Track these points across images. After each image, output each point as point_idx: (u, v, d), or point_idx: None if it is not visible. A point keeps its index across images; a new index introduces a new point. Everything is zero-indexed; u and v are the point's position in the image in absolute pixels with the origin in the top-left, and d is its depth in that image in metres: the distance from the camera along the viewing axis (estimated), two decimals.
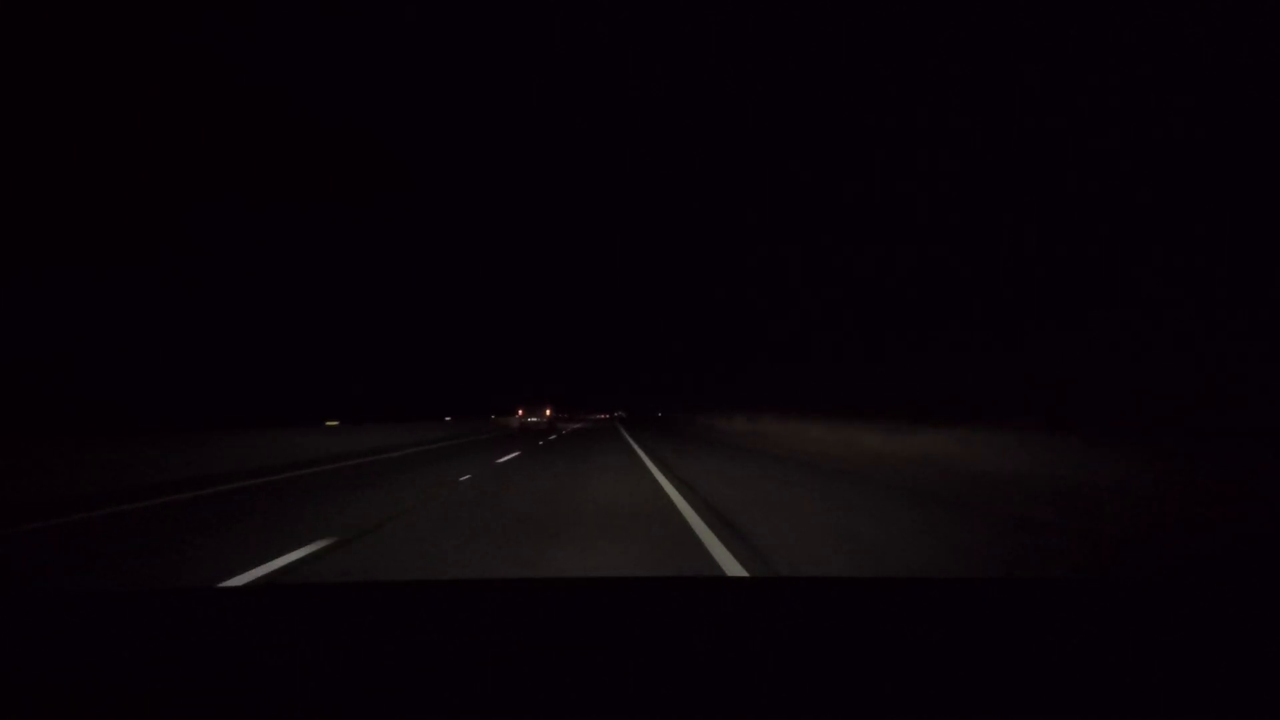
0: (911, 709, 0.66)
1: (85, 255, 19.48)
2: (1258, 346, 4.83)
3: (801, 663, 0.81)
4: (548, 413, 36.95)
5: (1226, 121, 5.55)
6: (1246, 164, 5.36)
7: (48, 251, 18.48)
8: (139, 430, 9.72)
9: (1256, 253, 5.15)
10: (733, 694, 0.71)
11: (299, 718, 0.66)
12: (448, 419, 26.67)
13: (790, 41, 16.93)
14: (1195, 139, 5.80)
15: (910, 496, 5.68)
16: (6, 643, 0.91)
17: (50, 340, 17.98)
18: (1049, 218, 7.66)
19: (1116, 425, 4.94)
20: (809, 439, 10.83)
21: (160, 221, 22.54)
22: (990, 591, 1.23)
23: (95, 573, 3.57)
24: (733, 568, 3.29)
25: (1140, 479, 4.29)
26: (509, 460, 10.49)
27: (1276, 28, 5.08)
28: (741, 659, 0.83)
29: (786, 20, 17.15)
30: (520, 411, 33.95)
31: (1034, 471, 5.30)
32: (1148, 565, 3.36)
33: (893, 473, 7.13)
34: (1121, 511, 4.12)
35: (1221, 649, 0.84)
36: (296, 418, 15.93)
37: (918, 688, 0.72)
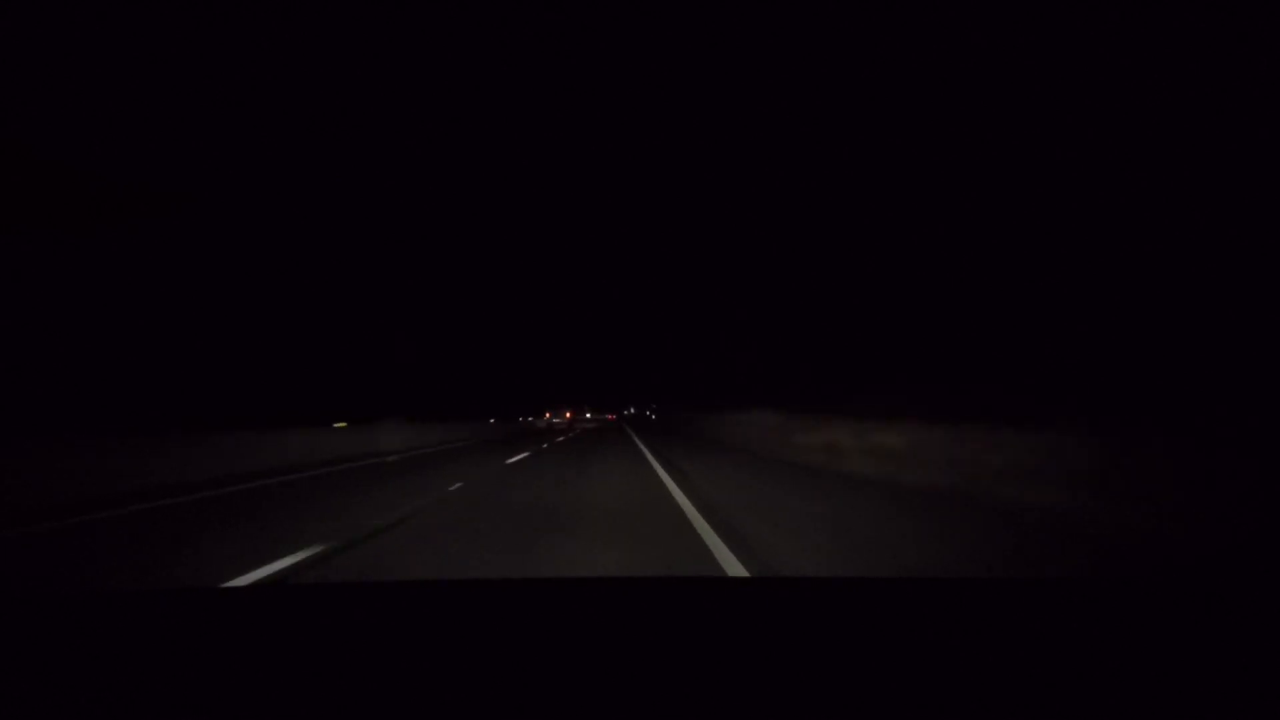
0: (910, 710, 0.67)
1: (86, 255, 19.49)
2: (1256, 346, 4.82)
3: (801, 663, 0.81)
4: (568, 415, 56.81)
5: (1226, 121, 5.55)
6: (1246, 164, 5.36)
7: (48, 251, 18.49)
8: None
9: (1256, 252, 5.14)
10: (732, 694, 0.71)
11: (300, 718, 0.66)
12: (492, 420, 36.15)
13: (790, 42, 16.95)
14: (1194, 139, 5.80)
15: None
16: (7, 643, 0.91)
17: (67, 342, 18.23)
18: (1049, 217, 7.66)
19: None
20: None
21: (160, 221, 22.55)
22: (989, 592, 1.24)
23: (388, 490, 6.55)
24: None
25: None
26: (560, 441, 19.14)
27: (1277, 28, 5.08)
28: (741, 659, 0.83)
29: (786, 21, 17.17)
30: (547, 414, 52.08)
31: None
32: (1147, 565, 3.36)
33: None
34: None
35: (1220, 649, 0.84)
36: (383, 415, 21.51)
37: (916, 688, 0.72)
